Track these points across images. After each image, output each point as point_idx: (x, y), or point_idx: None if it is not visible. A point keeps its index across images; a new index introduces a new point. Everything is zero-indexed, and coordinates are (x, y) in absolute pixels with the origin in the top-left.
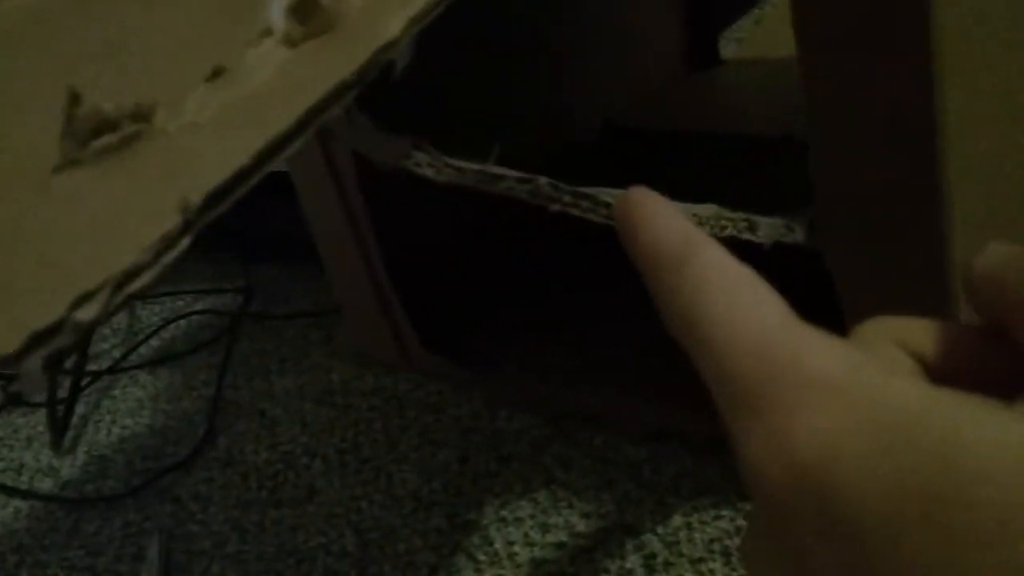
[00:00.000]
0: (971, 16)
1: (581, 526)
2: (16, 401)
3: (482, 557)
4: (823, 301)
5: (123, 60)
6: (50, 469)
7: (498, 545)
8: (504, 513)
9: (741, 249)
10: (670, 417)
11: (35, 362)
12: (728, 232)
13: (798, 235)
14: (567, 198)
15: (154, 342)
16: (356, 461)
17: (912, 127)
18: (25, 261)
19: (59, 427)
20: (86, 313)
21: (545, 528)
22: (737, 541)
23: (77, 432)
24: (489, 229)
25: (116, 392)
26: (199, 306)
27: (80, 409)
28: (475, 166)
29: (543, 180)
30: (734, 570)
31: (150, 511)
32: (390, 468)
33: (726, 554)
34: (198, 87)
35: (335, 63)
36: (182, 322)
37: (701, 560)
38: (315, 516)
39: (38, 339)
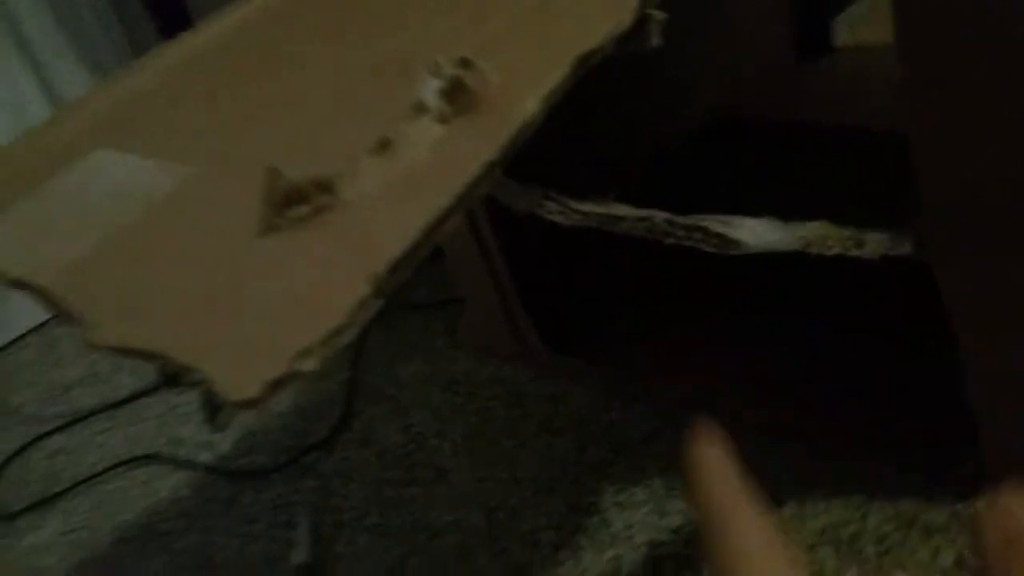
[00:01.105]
0: None
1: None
2: (172, 383)
3: (601, 538)
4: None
5: (289, 123)
6: (207, 444)
7: (617, 528)
8: (621, 498)
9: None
10: (780, 414)
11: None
12: (835, 251)
13: (905, 248)
14: (681, 232)
15: None
16: (481, 446)
17: None
18: (247, 318)
19: (214, 405)
20: (306, 365)
21: (661, 513)
22: (847, 531)
23: (231, 409)
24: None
25: None
26: None
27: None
28: (599, 209)
29: (659, 217)
30: (845, 558)
31: (297, 485)
32: (512, 453)
33: (837, 542)
34: (368, 159)
35: (482, 143)
36: None
37: (812, 547)
38: (446, 495)
39: (272, 387)
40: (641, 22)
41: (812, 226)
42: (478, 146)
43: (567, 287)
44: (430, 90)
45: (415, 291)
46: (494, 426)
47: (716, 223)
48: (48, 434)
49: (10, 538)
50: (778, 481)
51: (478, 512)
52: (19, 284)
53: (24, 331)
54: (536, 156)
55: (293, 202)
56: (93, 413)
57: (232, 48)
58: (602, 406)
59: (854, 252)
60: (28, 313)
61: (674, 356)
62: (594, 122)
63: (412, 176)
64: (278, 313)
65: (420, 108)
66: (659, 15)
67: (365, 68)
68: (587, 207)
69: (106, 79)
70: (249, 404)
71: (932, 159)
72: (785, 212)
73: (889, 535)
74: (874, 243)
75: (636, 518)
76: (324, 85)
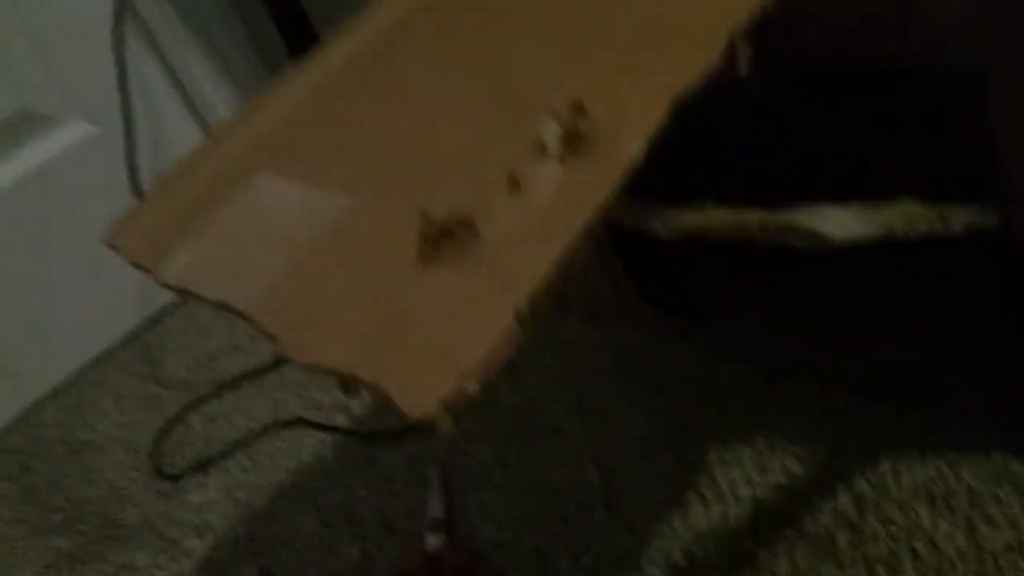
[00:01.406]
0: None
1: (796, 469)
2: (347, 389)
3: (708, 494)
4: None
5: (425, 156)
6: (343, 407)
7: (722, 484)
8: (726, 456)
9: None
10: (876, 373)
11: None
12: (923, 231)
13: (993, 221)
14: (775, 233)
15: None
16: (592, 406)
17: None
18: (414, 343)
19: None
20: (471, 387)
21: (764, 470)
22: (941, 488)
23: None
24: None
25: None
26: None
27: None
28: (698, 221)
29: (753, 220)
30: (939, 514)
31: (427, 445)
32: (623, 413)
33: (931, 498)
34: (501, 199)
35: (598, 183)
36: None
37: (907, 503)
38: (562, 452)
39: (444, 406)
40: (731, 56)
41: (896, 208)
42: (594, 187)
43: (666, 252)
44: (551, 133)
45: None
46: (604, 387)
47: (806, 217)
48: (202, 400)
49: (179, 497)
50: (872, 438)
51: (592, 469)
52: (222, 306)
53: (167, 302)
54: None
55: (443, 238)
56: (240, 380)
57: (362, 72)
58: (704, 366)
59: (940, 230)
60: None
61: (769, 317)
62: None
63: (541, 215)
64: (441, 340)
65: (542, 149)
66: (747, 48)
67: (482, 98)
68: (688, 218)
69: (249, 101)
70: (428, 421)
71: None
72: (874, 175)
73: (981, 492)
74: (961, 219)
75: (740, 476)
76: (450, 116)
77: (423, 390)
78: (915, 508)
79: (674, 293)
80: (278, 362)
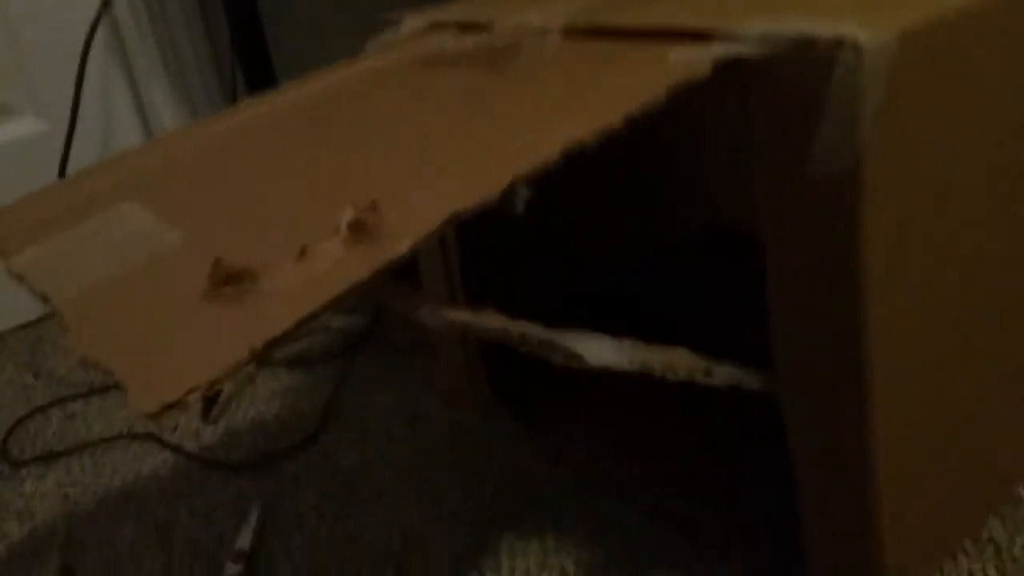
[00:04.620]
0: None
1: (571, 571)
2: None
3: (488, 574)
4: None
5: (255, 215)
6: (196, 434)
7: (505, 571)
8: (518, 546)
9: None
10: (672, 502)
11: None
12: (682, 377)
13: (755, 383)
14: (535, 344)
15: (295, 346)
16: (420, 477)
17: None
18: (166, 357)
19: (210, 402)
20: (191, 398)
21: (544, 566)
22: None
23: (222, 408)
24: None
25: (259, 381)
26: (335, 323)
27: (228, 389)
28: (464, 318)
29: (515, 329)
30: None
31: (260, 482)
32: (445, 488)
33: None
34: (289, 262)
35: (361, 266)
36: (320, 334)
37: None
38: (377, 515)
39: (165, 409)
40: (508, 193)
41: (659, 351)
42: (358, 267)
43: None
44: (345, 219)
45: (405, 333)
46: (439, 462)
47: (566, 339)
48: (68, 399)
49: (15, 483)
50: (642, 554)
51: (397, 537)
52: (43, 297)
53: None
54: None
55: (228, 283)
56: (110, 388)
57: (249, 135)
58: (527, 459)
59: (703, 381)
60: None
61: (596, 424)
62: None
63: (308, 281)
64: (186, 359)
65: (336, 231)
66: (524, 191)
67: (314, 181)
68: (456, 315)
69: (154, 138)
70: (151, 416)
71: (781, 328)
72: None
73: None
74: (723, 374)
75: (523, 565)
76: (284, 190)
77: (153, 393)
78: None
79: (519, 390)
80: None
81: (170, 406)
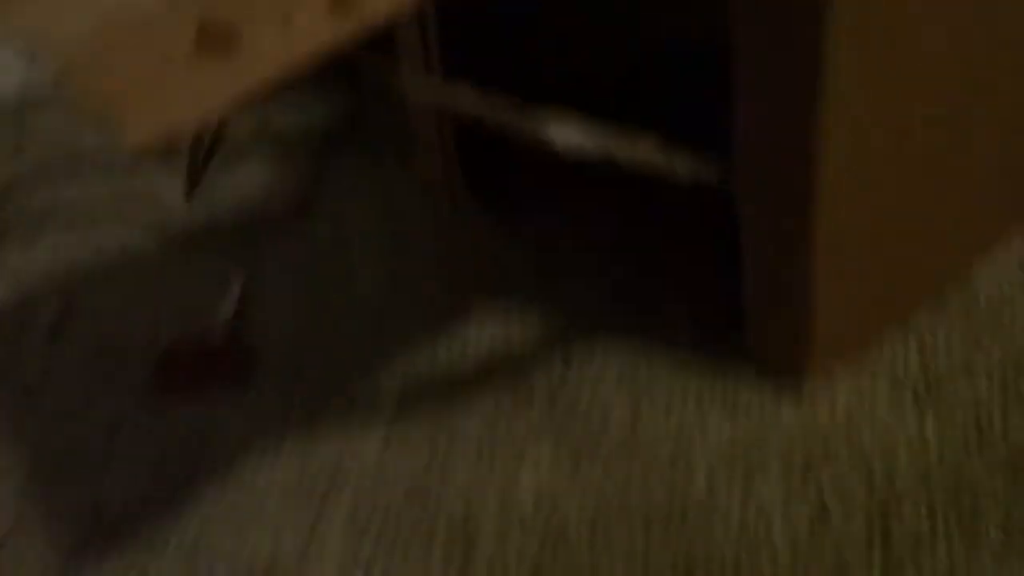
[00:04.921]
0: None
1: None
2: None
3: (450, 340)
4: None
5: None
6: (181, 212)
7: (472, 341)
8: (485, 318)
9: None
10: (628, 282)
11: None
12: (646, 163)
13: (712, 176)
14: (505, 117)
15: (278, 134)
16: (394, 261)
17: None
18: (156, 98)
19: (193, 182)
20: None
21: (506, 338)
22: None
23: (206, 187)
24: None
25: (241, 168)
26: (317, 110)
27: (211, 173)
28: (445, 90)
29: (487, 105)
30: (621, 391)
31: (242, 259)
32: (417, 270)
33: (619, 378)
34: (273, 26)
35: (340, 35)
36: (302, 120)
37: (599, 379)
38: (352, 294)
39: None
40: None
41: (624, 137)
42: (337, 32)
43: (496, 147)
44: None
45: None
46: (411, 247)
47: (534, 117)
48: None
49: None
50: (593, 328)
51: (374, 316)
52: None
53: None
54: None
55: (215, 40)
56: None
57: None
58: (497, 248)
59: (665, 169)
60: None
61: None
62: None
63: (291, 41)
64: (179, 101)
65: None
66: None
67: None
68: (431, 85)
69: None
70: (144, 148)
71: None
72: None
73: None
74: (683, 165)
75: (487, 334)
76: None
77: (147, 128)
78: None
79: (492, 181)
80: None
81: (157, 139)
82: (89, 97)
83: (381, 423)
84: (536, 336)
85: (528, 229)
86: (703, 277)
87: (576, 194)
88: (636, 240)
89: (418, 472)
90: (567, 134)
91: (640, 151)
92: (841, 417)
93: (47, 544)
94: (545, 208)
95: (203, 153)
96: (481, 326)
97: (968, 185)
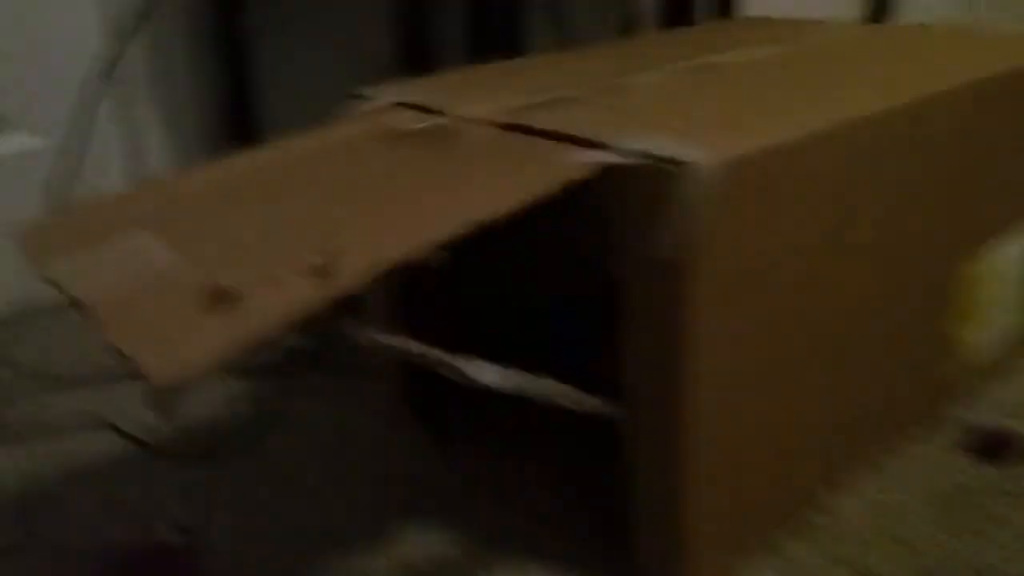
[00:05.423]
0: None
1: (456, 557)
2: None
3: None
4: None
5: (238, 253)
6: (151, 429)
7: (405, 555)
8: (418, 537)
9: None
10: (546, 506)
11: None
12: (556, 403)
13: (611, 412)
14: (433, 362)
15: (250, 361)
16: (346, 480)
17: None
18: (176, 350)
19: (168, 401)
20: (196, 378)
21: (436, 553)
22: None
23: (177, 407)
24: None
25: (213, 388)
26: (289, 342)
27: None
28: (388, 340)
29: (422, 352)
30: None
31: (207, 472)
32: (365, 490)
33: None
34: (268, 288)
35: (318, 296)
36: (275, 351)
37: None
38: (305, 508)
39: (194, 369)
40: (432, 252)
41: (534, 379)
42: (317, 297)
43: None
44: (311, 262)
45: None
46: (361, 468)
47: (459, 362)
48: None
49: None
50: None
51: (318, 530)
52: (75, 301)
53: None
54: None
55: (220, 300)
56: (77, 383)
57: (243, 183)
58: (434, 470)
59: (570, 406)
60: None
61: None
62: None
63: (282, 302)
64: (190, 348)
65: (305, 269)
66: (443, 252)
67: (292, 228)
68: (379, 337)
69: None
70: (162, 386)
71: (635, 347)
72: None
73: None
74: (585, 402)
75: (419, 552)
76: (271, 234)
77: (165, 371)
78: None
79: (437, 411)
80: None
81: (169, 384)
82: (114, 337)
83: None
84: (460, 551)
85: (462, 452)
86: (612, 499)
87: (510, 423)
88: (557, 465)
89: None
90: (486, 375)
91: (545, 389)
92: None
93: None
94: (480, 434)
95: None
96: (415, 544)
97: (844, 409)
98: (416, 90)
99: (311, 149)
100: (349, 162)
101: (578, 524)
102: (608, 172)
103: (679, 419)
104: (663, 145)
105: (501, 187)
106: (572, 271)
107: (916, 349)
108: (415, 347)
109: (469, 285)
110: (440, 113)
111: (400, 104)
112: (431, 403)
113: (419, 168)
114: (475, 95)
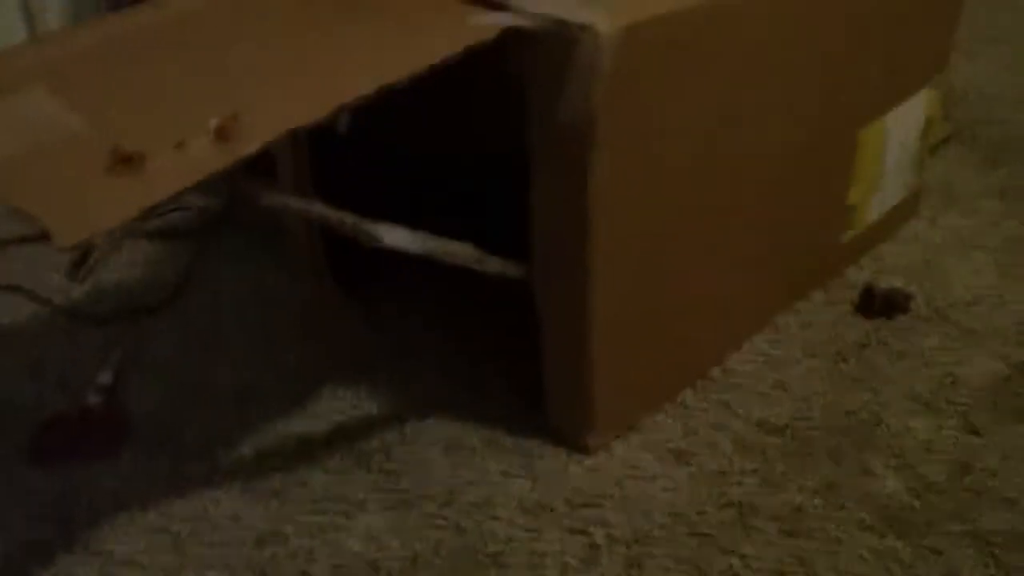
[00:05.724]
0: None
1: (375, 412)
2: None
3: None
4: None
5: (147, 113)
6: (65, 290)
7: (323, 412)
8: (338, 393)
9: None
10: (459, 364)
11: None
12: (460, 263)
13: (517, 272)
14: (336, 222)
15: (161, 221)
16: (263, 338)
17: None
18: (75, 207)
19: (79, 262)
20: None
21: (355, 408)
22: (455, 441)
23: (90, 268)
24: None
25: (125, 249)
26: (198, 202)
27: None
28: (298, 204)
29: (333, 216)
30: (450, 457)
31: (122, 333)
32: (283, 348)
33: (446, 448)
34: (169, 149)
35: (217, 161)
36: (185, 212)
37: (422, 451)
38: (223, 367)
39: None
40: (335, 115)
41: (442, 241)
42: (220, 159)
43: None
44: (212, 124)
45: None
46: (279, 327)
47: (370, 225)
48: None
49: None
50: (411, 405)
51: (239, 389)
52: None
53: None
54: None
55: (123, 162)
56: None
57: (148, 36)
58: (353, 331)
59: (477, 268)
60: None
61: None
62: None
63: (184, 165)
64: (95, 210)
65: (206, 132)
66: (346, 116)
67: (194, 90)
68: (289, 201)
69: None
70: (69, 249)
71: (541, 209)
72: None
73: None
74: (492, 264)
75: (340, 407)
76: (173, 95)
77: (70, 233)
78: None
79: (353, 272)
80: (28, 238)
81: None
82: (17, 200)
83: (239, 480)
84: (377, 408)
85: (380, 313)
86: (523, 358)
87: (426, 285)
88: (474, 326)
89: (269, 518)
90: (396, 237)
91: (454, 250)
92: (617, 472)
93: None
94: (396, 297)
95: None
96: (332, 398)
97: (743, 271)
98: None
99: (215, 3)
100: (253, 19)
101: (496, 385)
102: (514, 36)
103: (583, 278)
104: (566, 9)
105: (406, 48)
106: (484, 135)
107: (812, 214)
108: (324, 210)
109: (379, 148)
110: None
111: None
112: (346, 264)
113: (324, 29)
114: None
